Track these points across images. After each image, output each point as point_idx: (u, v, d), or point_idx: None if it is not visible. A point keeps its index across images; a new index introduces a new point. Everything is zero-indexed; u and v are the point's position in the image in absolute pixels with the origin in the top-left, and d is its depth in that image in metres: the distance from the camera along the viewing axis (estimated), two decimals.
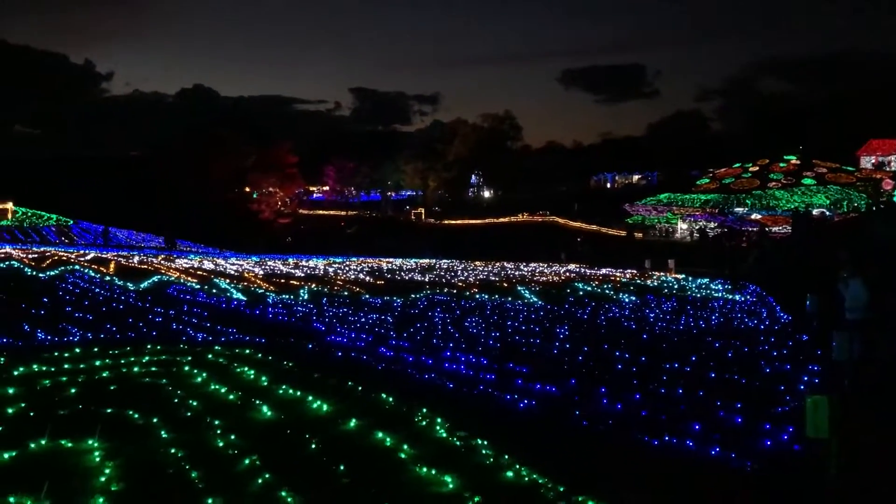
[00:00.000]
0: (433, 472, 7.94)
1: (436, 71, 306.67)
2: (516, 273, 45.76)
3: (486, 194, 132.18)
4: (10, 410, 9.71)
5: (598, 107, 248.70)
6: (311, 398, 10.93)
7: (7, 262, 39.50)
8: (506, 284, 36.16)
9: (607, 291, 33.75)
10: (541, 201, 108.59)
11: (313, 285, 33.90)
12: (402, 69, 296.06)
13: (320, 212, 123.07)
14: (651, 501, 7.46)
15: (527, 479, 7.79)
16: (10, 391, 10.70)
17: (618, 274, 45.69)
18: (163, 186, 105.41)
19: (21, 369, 12.17)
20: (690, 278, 42.72)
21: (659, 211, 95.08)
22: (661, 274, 46.46)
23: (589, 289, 34.51)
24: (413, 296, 30.05)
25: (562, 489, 7.43)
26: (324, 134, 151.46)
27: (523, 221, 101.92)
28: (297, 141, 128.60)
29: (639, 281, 40.29)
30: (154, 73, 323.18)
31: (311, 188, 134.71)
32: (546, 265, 54.82)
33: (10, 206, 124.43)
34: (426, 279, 39.87)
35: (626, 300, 30.46)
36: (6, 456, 7.93)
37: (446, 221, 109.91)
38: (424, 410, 10.30)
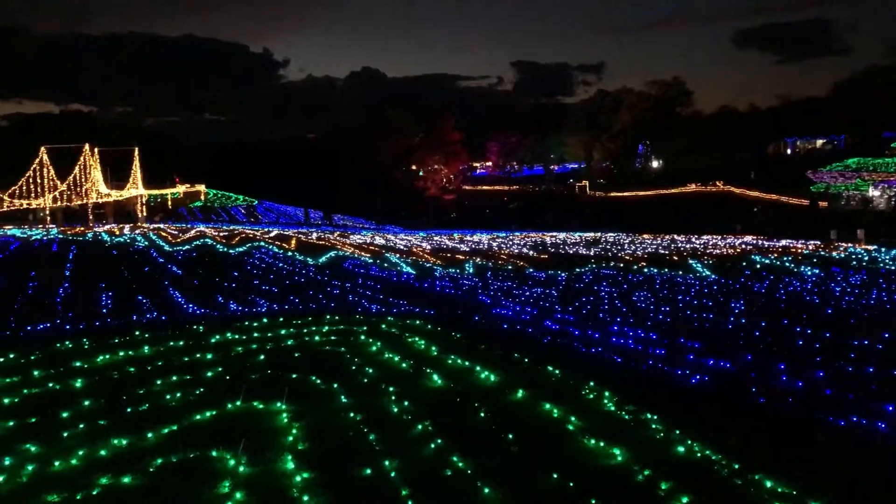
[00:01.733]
0: (601, 444, 7.88)
1: (599, 39, 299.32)
2: (687, 246, 44.03)
3: (654, 164, 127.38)
4: (208, 374, 10.65)
5: (775, 67, 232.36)
6: (478, 368, 11.15)
7: (202, 240, 43.19)
8: (676, 258, 34.92)
9: (787, 264, 31.71)
10: (713, 170, 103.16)
11: (478, 259, 34.39)
12: (565, 40, 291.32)
13: (484, 187, 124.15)
14: (835, 486, 7.00)
15: (699, 454, 7.56)
16: (208, 357, 11.73)
17: (799, 246, 42.79)
18: (336, 166, 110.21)
19: (217, 337, 13.29)
20: (884, 250, 39.20)
21: (847, 177, 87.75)
22: (849, 245, 42.97)
23: (767, 262, 32.60)
24: (578, 270, 29.74)
25: (737, 466, 7.15)
26: (487, 109, 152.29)
27: (694, 192, 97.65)
28: (461, 117, 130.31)
29: (823, 253, 37.53)
30: (326, 59, 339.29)
31: (475, 164, 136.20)
32: (720, 237, 52.26)
33: (202, 188, 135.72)
34: (591, 253, 39.29)
35: (809, 273, 28.49)
36: (208, 415, 8.73)
37: (612, 194, 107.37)
38: (592, 384, 10.22)
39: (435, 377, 10.71)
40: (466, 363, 11.54)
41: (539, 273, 28.86)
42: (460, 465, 7.28)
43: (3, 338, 13.38)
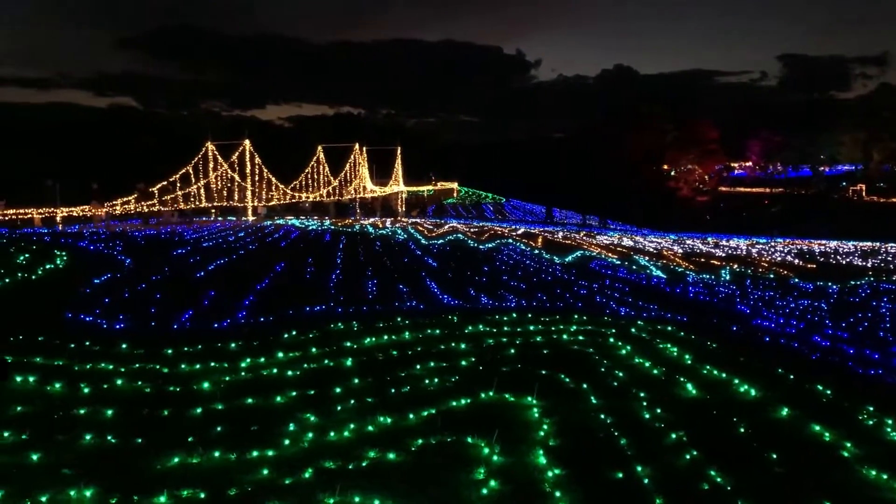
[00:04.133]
0: (883, 476, 7.09)
1: (882, 27, 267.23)
2: None
3: None
4: (462, 363, 11.12)
5: None
6: (737, 381, 10.53)
7: (454, 235, 45.19)
8: None
9: None
10: None
11: (735, 266, 32.44)
12: (839, 29, 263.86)
13: (742, 189, 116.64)
14: None
15: None
16: (462, 346, 12.24)
17: None
18: (583, 166, 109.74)
19: (469, 328, 13.83)
20: None
21: None
22: None
23: None
24: (853, 283, 26.94)
25: None
26: (747, 106, 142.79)
27: None
28: (718, 115, 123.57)
29: None
30: (577, 58, 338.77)
31: (733, 164, 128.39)
32: None
33: (455, 185, 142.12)
34: (869, 265, 35.39)
35: None
36: (463, 402, 9.12)
37: (894, 200, 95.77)
38: (871, 408, 9.22)
39: (689, 386, 10.29)
40: (723, 374, 10.95)
41: (806, 284, 26.57)
42: (718, 479, 6.93)
43: (287, 317, 14.98)
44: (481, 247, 38.06)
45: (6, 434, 7.49)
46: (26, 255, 20.86)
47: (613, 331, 14.11)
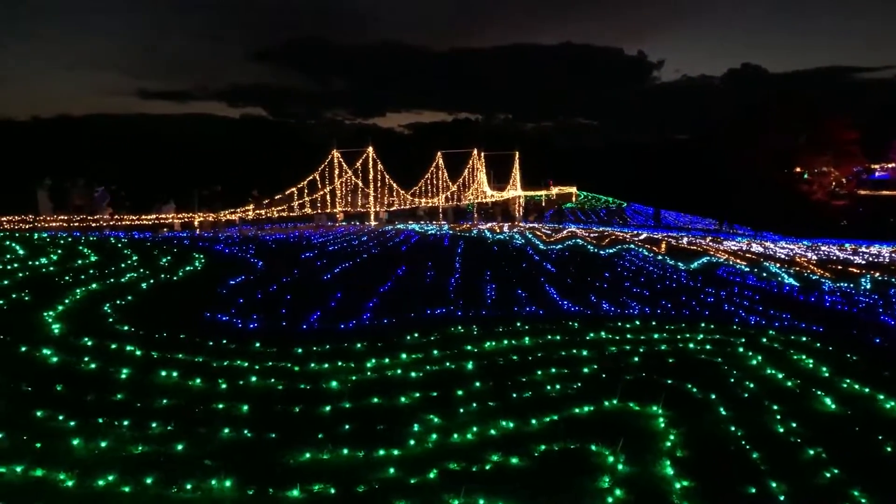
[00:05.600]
0: None
1: None
2: None
3: None
4: (584, 370, 10.98)
5: None
6: (882, 397, 9.88)
7: (573, 240, 44.68)
8: None
9: None
10: None
11: (877, 274, 30.41)
12: None
13: (885, 192, 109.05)
14: None
15: None
16: (584, 353, 12.09)
17: None
18: (708, 168, 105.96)
19: (591, 335, 13.63)
20: None
21: None
22: None
23: None
24: None
25: None
26: (890, 104, 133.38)
27: None
28: (858, 114, 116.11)
29: None
30: (701, 57, 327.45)
31: (873, 166, 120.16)
32: None
33: (574, 189, 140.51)
34: None
35: None
36: (586, 409, 9.01)
37: None
38: None
39: (826, 400, 9.74)
40: (865, 389, 10.31)
41: None
42: (863, 500, 6.53)
43: (410, 319, 15.28)
44: (601, 252, 37.44)
45: (154, 425, 8.02)
46: (168, 258, 22.26)
47: (743, 340, 13.55)
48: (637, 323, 15.05)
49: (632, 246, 41.87)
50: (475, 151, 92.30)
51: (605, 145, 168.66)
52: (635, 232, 60.07)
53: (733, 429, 8.41)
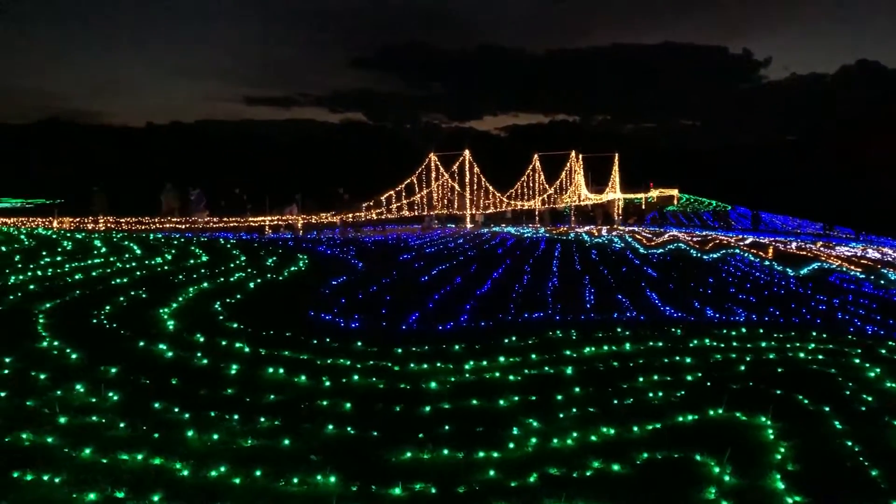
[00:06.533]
0: None
1: None
2: None
3: None
4: (688, 378, 10.69)
5: None
6: None
7: (675, 244, 43.57)
8: None
9: None
10: None
11: None
12: None
13: None
14: None
15: None
16: (688, 360, 11.77)
17: None
18: (824, 169, 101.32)
19: (695, 342, 13.26)
20: None
21: None
22: None
23: None
24: None
25: None
26: None
27: None
28: None
29: None
30: (812, 54, 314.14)
31: None
32: None
33: (675, 192, 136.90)
34: None
35: None
36: (689, 418, 8.77)
37: None
38: None
39: None
40: None
41: None
42: None
43: (507, 322, 15.28)
44: (705, 257, 36.34)
45: (262, 419, 8.32)
46: (274, 259, 23.05)
47: (859, 351, 12.88)
48: (743, 330, 14.56)
49: (737, 250, 40.45)
50: (573, 153, 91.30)
51: (708, 146, 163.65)
52: (740, 236, 57.95)
53: (850, 443, 8.00)
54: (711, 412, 8.98)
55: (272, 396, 9.26)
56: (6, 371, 9.81)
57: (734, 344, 13.28)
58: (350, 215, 52.66)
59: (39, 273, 16.99)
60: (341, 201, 55.79)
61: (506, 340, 12.85)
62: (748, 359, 12.04)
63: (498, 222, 70.58)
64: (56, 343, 11.25)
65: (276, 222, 45.86)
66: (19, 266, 17.73)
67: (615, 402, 9.39)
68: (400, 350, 11.84)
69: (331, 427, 8.15)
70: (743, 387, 10.19)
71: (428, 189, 66.08)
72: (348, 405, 8.95)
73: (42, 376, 9.61)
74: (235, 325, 13.25)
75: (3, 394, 8.81)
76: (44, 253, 20.31)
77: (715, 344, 13.19)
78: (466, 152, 69.64)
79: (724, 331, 14.50)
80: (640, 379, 10.52)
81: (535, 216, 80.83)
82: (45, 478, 6.56)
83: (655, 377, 10.61)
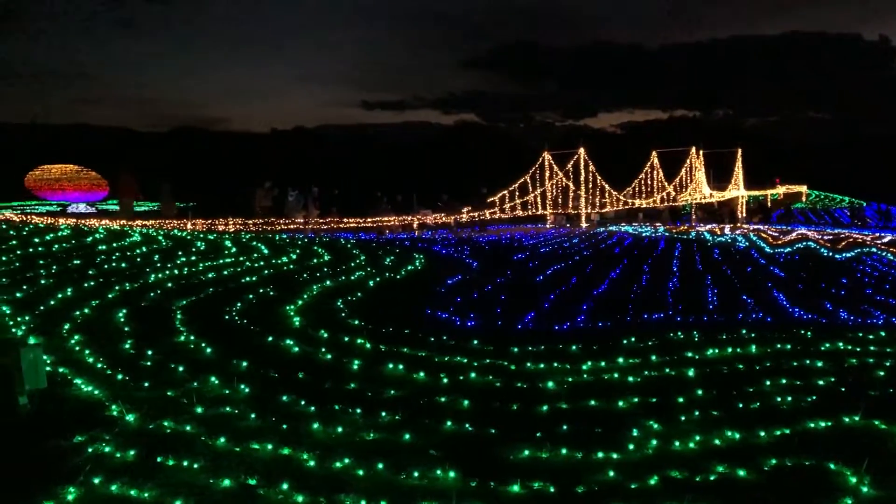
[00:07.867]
0: None
1: None
2: None
3: None
4: (820, 382, 10.17)
5: None
6: None
7: (804, 243, 41.43)
8: None
9: None
10: None
11: None
12: None
13: None
14: None
15: None
16: (819, 364, 11.20)
17: None
18: None
19: (827, 345, 12.58)
20: None
21: None
22: None
23: None
24: None
25: None
26: None
27: None
28: None
29: None
30: None
31: None
32: None
33: (804, 189, 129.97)
34: None
35: None
36: (822, 424, 8.35)
37: None
38: None
39: None
40: None
41: None
42: None
43: (626, 324, 15.02)
44: (837, 256, 34.37)
45: (383, 414, 8.56)
46: (391, 258, 23.59)
47: None
48: (882, 334, 13.69)
49: (874, 249, 38.00)
50: (693, 150, 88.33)
51: (840, 140, 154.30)
52: (878, 234, 54.38)
53: None
54: (847, 419, 8.51)
55: (392, 391, 9.50)
56: (149, 363, 10.55)
57: (871, 348, 12.49)
58: (486, 213, 53.22)
59: (176, 272, 18.09)
60: (481, 199, 56.37)
61: (624, 341, 12.62)
62: (887, 364, 11.32)
63: (617, 221, 69.15)
64: (192, 337, 11.97)
65: (407, 222, 46.92)
66: (158, 265, 18.94)
67: (740, 405, 9.06)
68: (516, 349, 11.86)
69: (449, 423, 8.28)
70: (882, 393, 9.61)
71: (542, 188, 65.67)
72: (466, 402, 9.06)
73: (180, 368, 10.26)
74: (357, 322, 13.67)
75: (146, 384, 9.47)
76: (179, 253, 21.60)
77: (850, 347, 12.46)
78: (581, 150, 68.71)
79: (860, 334, 13.67)
80: (767, 383, 10.11)
81: (655, 214, 78.70)
82: (185, 463, 7.00)
83: (784, 381, 10.16)
